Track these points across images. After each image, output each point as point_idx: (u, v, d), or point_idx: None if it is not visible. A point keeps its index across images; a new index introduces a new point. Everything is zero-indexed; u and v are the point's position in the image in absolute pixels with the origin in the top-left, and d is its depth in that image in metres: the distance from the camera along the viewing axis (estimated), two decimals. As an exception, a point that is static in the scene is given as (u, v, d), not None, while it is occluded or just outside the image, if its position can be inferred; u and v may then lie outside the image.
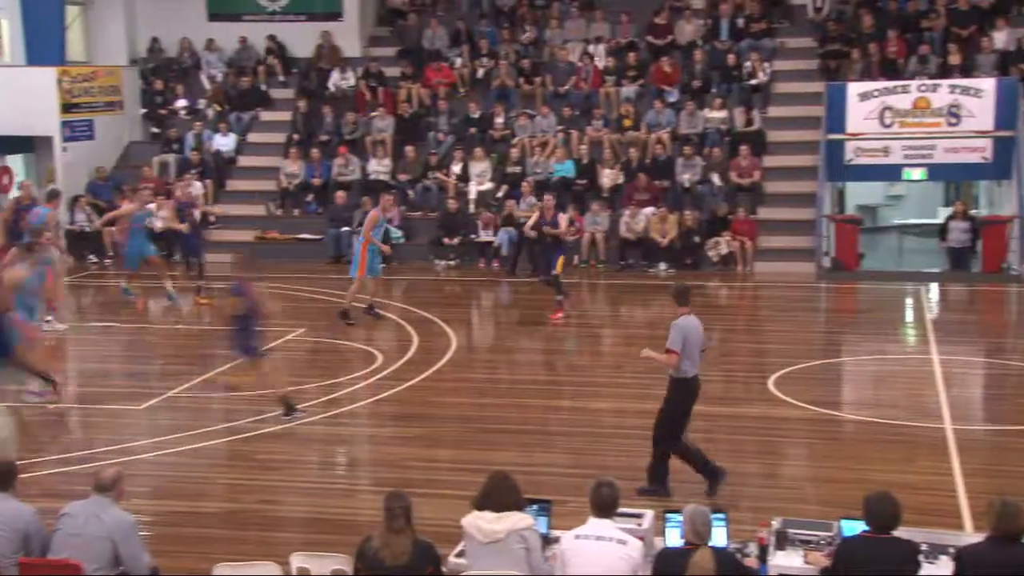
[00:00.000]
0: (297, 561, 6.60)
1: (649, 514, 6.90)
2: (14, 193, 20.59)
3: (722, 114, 21.37)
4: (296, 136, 22.32)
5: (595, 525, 6.12)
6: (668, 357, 9.01)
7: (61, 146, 21.50)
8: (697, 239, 19.64)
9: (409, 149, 21.50)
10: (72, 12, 23.31)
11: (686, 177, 20.50)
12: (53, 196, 17.51)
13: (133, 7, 24.29)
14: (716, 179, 20.39)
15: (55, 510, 6.69)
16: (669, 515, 6.65)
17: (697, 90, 21.89)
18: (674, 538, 6.51)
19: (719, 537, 6.38)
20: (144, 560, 6.57)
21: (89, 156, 22.03)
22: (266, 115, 23.35)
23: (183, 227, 18.01)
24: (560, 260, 15.95)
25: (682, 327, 9.05)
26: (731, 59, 22.08)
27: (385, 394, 12.36)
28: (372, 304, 15.88)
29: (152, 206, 17.87)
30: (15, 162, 21.79)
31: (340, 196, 20.76)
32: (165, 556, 7.84)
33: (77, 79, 21.94)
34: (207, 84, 23.78)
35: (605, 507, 6.16)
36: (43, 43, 21.80)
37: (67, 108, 21.58)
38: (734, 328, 16.29)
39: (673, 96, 21.86)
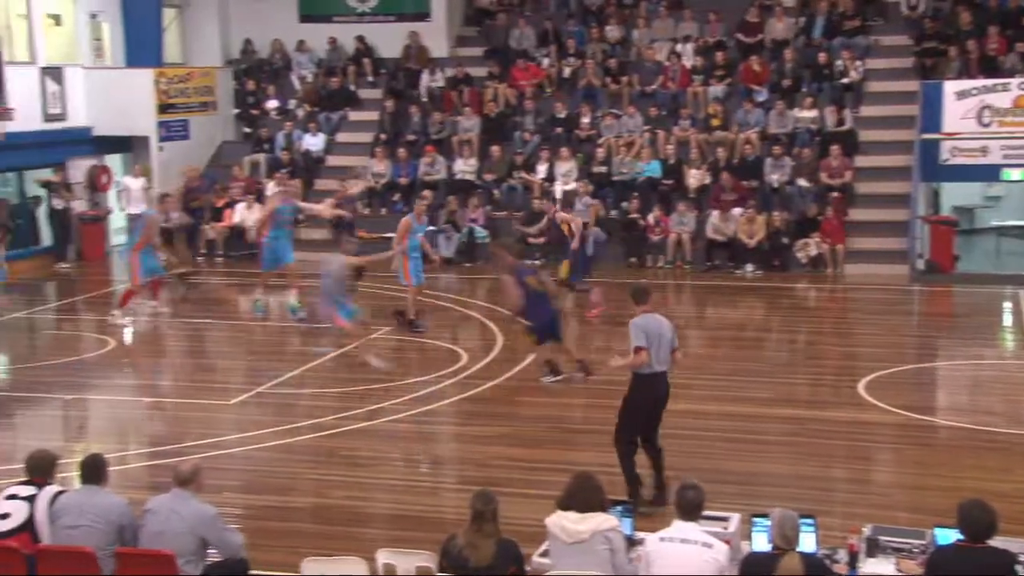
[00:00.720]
0: (383, 557, 6.66)
1: (735, 517, 6.82)
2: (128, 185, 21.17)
3: (813, 113, 21.02)
4: (383, 136, 22.54)
5: (680, 528, 6.06)
6: (636, 357, 8.79)
7: (157, 146, 22.00)
8: (785, 240, 19.35)
9: (495, 149, 21.57)
10: (169, 15, 23.86)
11: (775, 177, 20.22)
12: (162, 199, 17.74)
13: (227, 9, 24.78)
14: (805, 180, 20.06)
15: (145, 501, 6.85)
16: (756, 519, 6.56)
17: (787, 89, 21.57)
18: (761, 542, 6.41)
19: (807, 543, 6.27)
20: (235, 541, 6.71)
21: (183, 155, 22.52)
22: (354, 115, 23.62)
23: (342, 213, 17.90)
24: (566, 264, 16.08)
25: (640, 325, 8.87)
26: (823, 57, 21.71)
27: (470, 392, 12.41)
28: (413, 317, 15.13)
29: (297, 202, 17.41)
30: (114, 162, 22.38)
31: (425, 195, 20.88)
32: (254, 549, 7.97)
33: (173, 80, 22.44)
34: (297, 84, 24.14)
35: (690, 510, 6.10)
36: (142, 45, 22.35)
37: (163, 108, 22.09)
38: (822, 331, 16.00)
39: (762, 95, 21.57)
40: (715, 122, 21.30)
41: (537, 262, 16.32)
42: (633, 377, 8.92)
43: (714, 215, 19.54)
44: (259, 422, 11.44)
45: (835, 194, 19.59)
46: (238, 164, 22.34)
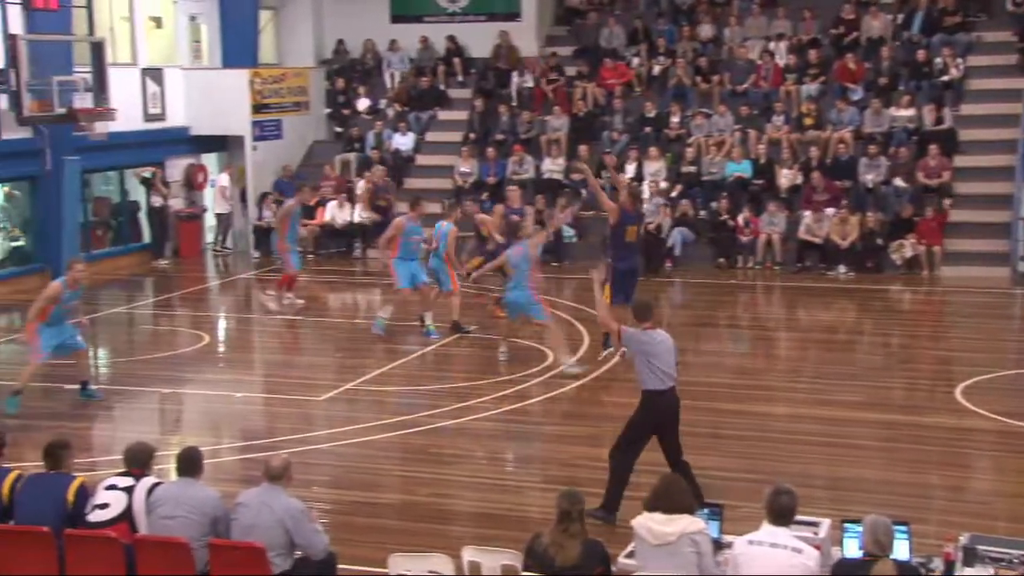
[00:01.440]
0: (469, 555, 6.68)
1: (826, 523, 6.69)
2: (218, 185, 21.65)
3: (910, 112, 20.54)
4: (472, 135, 22.63)
5: (770, 532, 5.96)
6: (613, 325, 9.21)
7: (251, 145, 22.41)
8: (880, 241, 18.95)
9: (583, 148, 21.51)
10: (265, 16, 24.29)
11: (869, 177, 19.81)
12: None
13: (321, 10, 25.14)
14: (899, 180, 19.62)
15: (236, 495, 6.97)
16: (847, 525, 6.43)
17: (883, 87, 21.12)
18: (852, 549, 6.28)
19: (901, 550, 6.12)
20: (319, 543, 6.76)
21: (276, 155, 22.92)
22: (444, 114, 23.77)
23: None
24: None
25: (634, 338, 8.76)
26: (921, 55, 21.21)
27: (555, 392, 12.38)
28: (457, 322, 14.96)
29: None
30: (209, 161, 22.87)
31: (513, 193, 20.91)
32: (341, 544, 8.07)
33: (267, 80, 22.84)
34: (389, 84, 24.38)
35: (782, 515, 5.98)
36: (238, 46, 22.79)
37: (258, 108, 22.48)
38: (917, 334, 15.63)
39: (857, 94, 21.15)
40: (808, 121, 20.95)
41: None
42: (642, 394, 8.79)
43: (806, 216, 19.22)
44: (348, 418, 11.57)
45: (945, 198, 19.08)
46: (329, 163, 22.64)
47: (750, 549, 5.93)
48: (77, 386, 12.35)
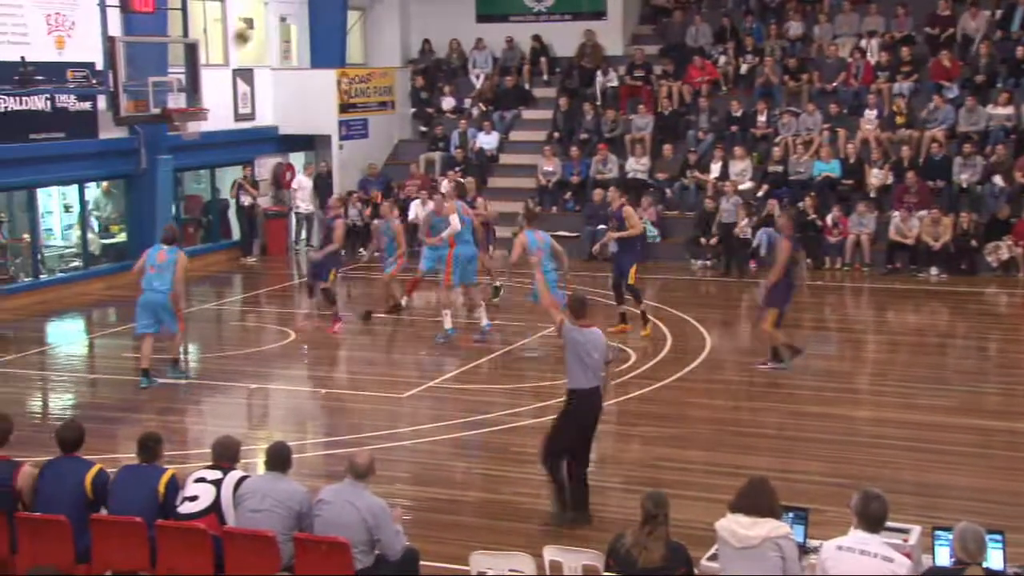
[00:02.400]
0: (550, 554, 6.67)
1: (916, 529, 6.53)
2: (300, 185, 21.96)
3: (1008, 110, 19.98)
4: (556, 134, 22.61)
5: (860, 538, 5.82)
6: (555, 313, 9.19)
7: (338, 144, 22.70)
8: (974, 243, 18.46)
9: (667, 148, 21.35)
10: (352, 17, 24.58)
11: (964, 177, 19.31)
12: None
13: (407, 10, 25.35)
14: (999, 179, 19.09)
15: (319, 490, 7.04)
16: (938, 532, 6.27)
17: (980, 85, 20.57)
18: (943, 557, 6.12)
19: (995, 559, 5.94)
20: (397, 543, 6.80)
21: (362, 153, 23.17)
22: (528, 113, 23.79)
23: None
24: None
25: (570, 334, 8.66)
26: (1021, 52, 20.61)
27: (637, 393, 12.31)
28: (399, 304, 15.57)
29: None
30: (296, 159, 23.22)
31: (597, 194, 20.84)
32: (423, 540, 8.12)
33: (354, 80, 23.10)
34: (474, 83, 24.48)
35: (873, 521, 5.84)
36: (326, 47, 23.11)
37: (344, 108, 22.76)
38: (1013, 338, 15.17)
39: (952, 92, 20.64)
40: (900, 120, 20.51)
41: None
42: (568, 393, 8.72)
43: (897, 216, 18.82)
44: (431, 416, 11.64)
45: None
46: (414, 162, 22.81)
47: (839, 555, 5.81)
48: (166, 380, 12.68)
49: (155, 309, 12.57)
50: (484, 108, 23.80)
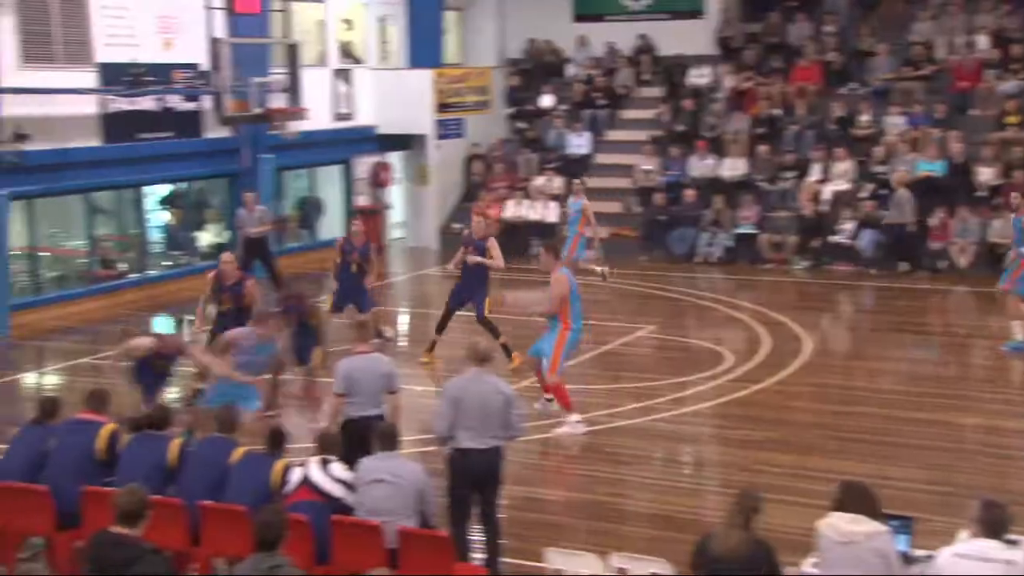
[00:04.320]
0: (616, 561, 6.60)
1: (1025, 542, 6.31)
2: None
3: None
4: (656, 134, 22.44)
5: (980, 545, 5.66)
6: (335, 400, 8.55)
7: (434, 143, 22.87)
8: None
9: (763, 148, 21.03)
10: (450, 17, 24.75)
11: (1077, 178, 18.64)
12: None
13: (504, 10, 25.44)
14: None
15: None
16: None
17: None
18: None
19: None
20: (522, 424, 7.84)
21: (458, 153, 23.30)
22: (627, 113, 23.69)
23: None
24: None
25: (343, 369, 8.44)
26: None
27: (734, 395, 12.16)
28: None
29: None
30: (394, 159, 23.46)
31: (690, 194, 20.71)
32: (513, 538, 8.16)
33: (451, 80, 23.25)
34: (571, 83, 24.44)
35: (994, 528, 5.68)
36: (423, 47, 23.30)
37: (441, 108, 22.93)
38: None
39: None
40: (1010, 120, 19.89)
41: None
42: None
43: (1001, 219, 18.23)
44: (526, 415, 11.62)
45: None
46: (501, 163, 22.84)
47: (957, 561, 5.66)
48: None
49: None
50: (581, 107, 23.70)
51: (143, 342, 10.35)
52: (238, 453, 7.48)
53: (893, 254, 18.88)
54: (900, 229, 18.72)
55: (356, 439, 7.95)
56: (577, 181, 19.21)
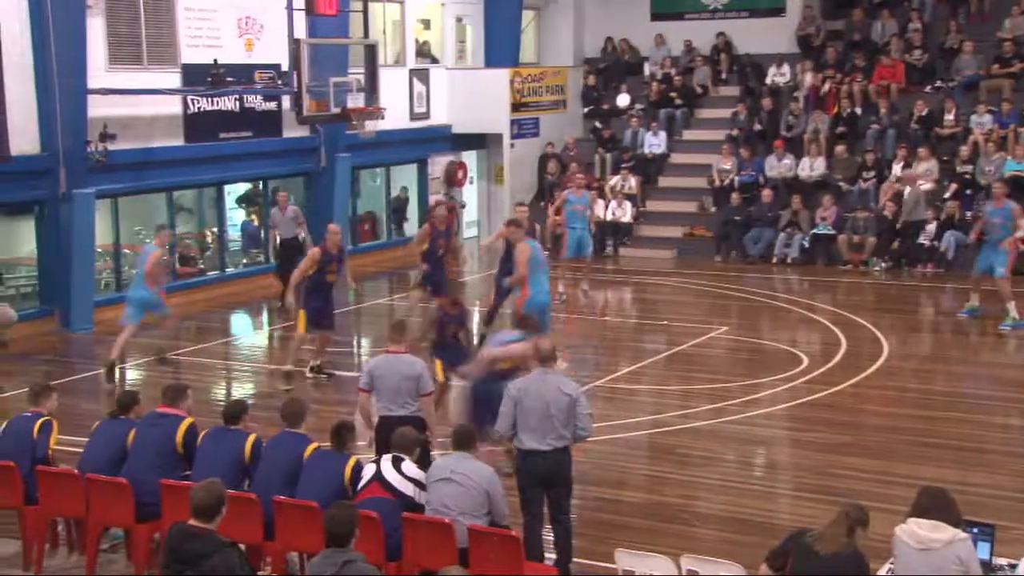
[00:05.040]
0: (687, 564, 6.54)
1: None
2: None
3: None
4: (734, 132, 22.21)
5: None
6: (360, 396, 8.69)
7: (509, 143, 22.91)
8: None
9: (839, 148, 20.66)
10: (527, 16, 24.78)
11: None
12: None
13: (582, 9, 25.39)
14: None
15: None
16: None
17: None
18: None
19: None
20: (590, 424, 7.71)
21: (534, 152, 23.33)
22: (705, 112, 23.48)
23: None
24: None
25: (368, 366, 8.63)
26: None
27: (809, 398, 11.98)
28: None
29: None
30: (470, 158, 23.56)
31: (767, 194, 20.45)
32: (583, 539, 8.14)
33: (527, 79, 23.28)
34: (647, 82, 24.29)
35: None
36: (500, 46, 23.37)
37: (517, 107, 22.97)
38: None
39: None
40: (1101, 117, 19.32)
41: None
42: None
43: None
44: (598, 415, 11.58)
45: None
46: (577, 161, 22.77)
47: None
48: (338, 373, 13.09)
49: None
50: (658, 106, 23.52)
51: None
52: (310, 448, 7.58)
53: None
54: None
55: (381, 438, 8.12)
56: (580, 175, 19.01)
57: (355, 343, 15.76)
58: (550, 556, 7.66)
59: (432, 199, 22.44)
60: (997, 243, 14.94)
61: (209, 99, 17.70)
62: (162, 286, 13.78)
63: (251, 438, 7.74)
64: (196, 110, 17.70)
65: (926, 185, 19.42)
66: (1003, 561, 6.24)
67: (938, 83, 21.44)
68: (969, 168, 19.56)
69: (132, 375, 14.03)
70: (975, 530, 6.21)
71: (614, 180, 21.96)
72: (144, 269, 13.41)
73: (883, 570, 6.13)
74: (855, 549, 5.75)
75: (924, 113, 20.71)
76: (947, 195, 19.36)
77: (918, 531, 5.75)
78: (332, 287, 12.91)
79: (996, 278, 14.95)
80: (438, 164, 22.85)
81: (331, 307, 13.05)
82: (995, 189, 15.79)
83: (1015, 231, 14.89)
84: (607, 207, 21.35)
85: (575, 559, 7.77)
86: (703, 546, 7.87)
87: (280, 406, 8.12)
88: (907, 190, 19.09)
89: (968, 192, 19.31)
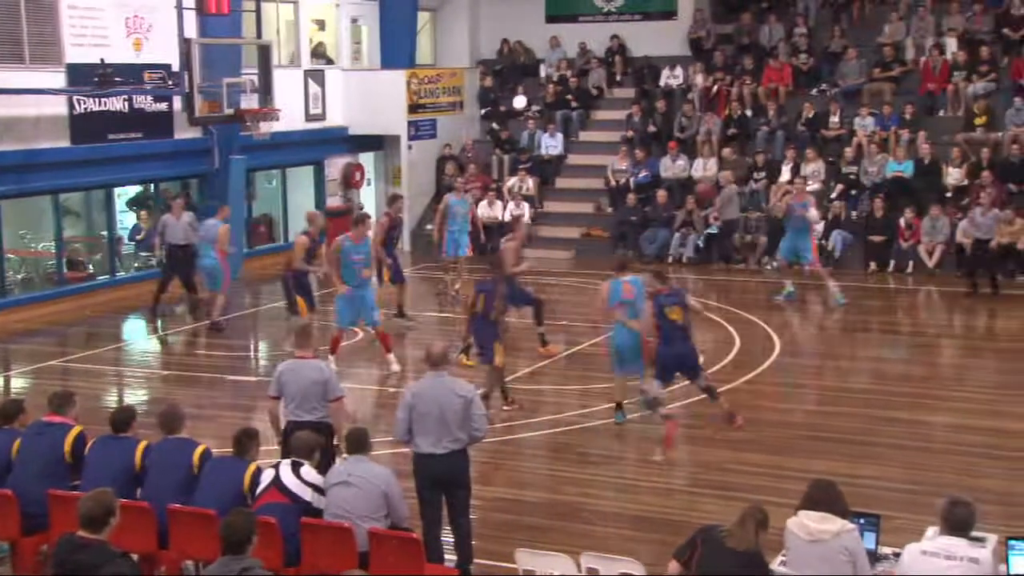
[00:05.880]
0: (587, 561, 6.61)
1: (992, 538, 6.38)
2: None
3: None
4: (629, 133, 22.49)
5: (945, 543, 5.71)
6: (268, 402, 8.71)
7: (406, 144, 22.83)
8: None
9: (727, 150, 21.09)
10: (423, 18, 24.72)
11: (1043, 179, 18.82)
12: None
13: (477, 11, 25.43)
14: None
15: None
16: (1013, 542, 6.12)
17: (1060, 84, 20.05)
18: (1019, 566, 5.98)
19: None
20: (485, 424, 7.72)
21: (430, 154, 23.28)
22: (600, 114, 23.72)
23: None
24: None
25: (276, 372, 8.59)
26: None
27: (704, 395, 12.16)
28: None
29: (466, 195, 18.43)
30: (367, 160, 23.40)
31: (661, 195, 20.77)
32: (484, 540, 8.15)
33: (424, 81, 23.22)
34: (544, 84, 24.44)
35: (959, 526, 5.73)
36: (396, 48, 23.24)
37: (413, 108, 22.89)
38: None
39: (1032, 92, 20.13)
40: (979, 121, 20.06)
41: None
42: None
43: (968, 219, 18.34)
44: (498, 415, 11.62)
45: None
46: (475, 163, 22.85)
47: (923, 559, 5.71)
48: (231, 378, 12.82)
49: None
50: (553, 108, 23.70)
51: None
52: (199, 451, 7.43)
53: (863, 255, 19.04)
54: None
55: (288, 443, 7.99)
56: (460, 180, 19.58)
57: (252, 347, 15.53)
58: (451, 558, 7.66)
59: (330, 201, 22.34)
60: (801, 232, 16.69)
61: (96, 99, 17.24)
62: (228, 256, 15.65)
63: (141, 445, 7.56)
64: (83, 111, 17.22)
65: (813, 186, 19.93)
66: (888, 550, 6.43)
67: (823, 86, 22.05)
68: (854, 169, 20.16)
69: (18, 383, 13.58)
70: (861, 521, 6.40)
71: (512, 181, 22.04)
72: (214, 240, 15.37)
73: (775, 562, 6.26)
74: (759, 549, 5.89)
75: (811, 115, 21.27)
76: (833, 195, 19.91)
77: (808, 523, 5.90)
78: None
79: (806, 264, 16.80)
80: (335, 166, 22.65)
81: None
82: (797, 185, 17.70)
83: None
84: (505, 208, 21.41)
85: (476, 560, 7.78)
86: (603, 544, 7.94)
87: (157, 414, 7.87)
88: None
89: (853, 192, 19.89)
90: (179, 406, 8.05)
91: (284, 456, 7.57)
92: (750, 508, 6.01)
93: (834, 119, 21.09)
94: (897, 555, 6.13)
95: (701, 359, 11.46)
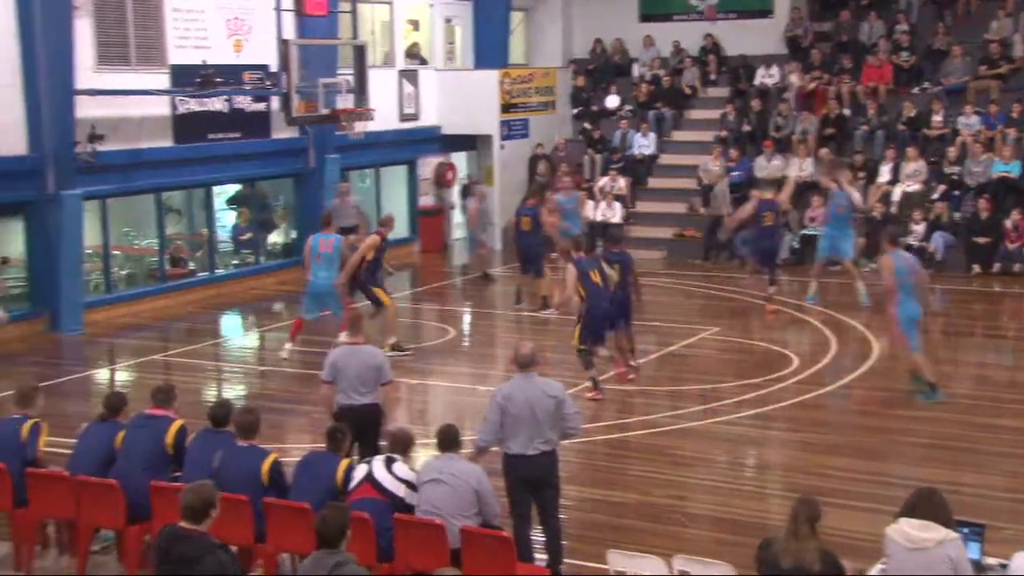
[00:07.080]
0: (679, 564, 6.54)
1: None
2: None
3: None
4: (724, 133, 22.23)
5: None
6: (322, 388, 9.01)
7: (499, 144, 22.89)
8: None
9: (823, 150, 20.67)
10: (516, 18, 24.77)
11: None
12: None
13: (570, 11, 25.40)
14: None
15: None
16: None
17: None
18: None
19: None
20: (579, 422, 7.75)
21: (523, 153, 23.32)
22: (693, 113, 23.50)
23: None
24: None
25: (330, 358, 8.93)
26: None
27: (801, 398, 11.99)
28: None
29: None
30: (459, 159, 23.53)
31: (755, 195, 20.42)
32: (576, 540, 8.13)
33: (516, 80, 23.27)
34: (636, 83, 24.30)
35: None
36: (489, 48, 23.35)
37: (506, 108, 22.95)
38: None
39: None
40: (1088, 119, 19.40)
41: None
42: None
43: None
44: (590, 416, 11.59)
45: None
46: (567, 162, 22.79)
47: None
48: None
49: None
50: (646, 108, 23.53)
51: None
52: (269, 461, 7.49)
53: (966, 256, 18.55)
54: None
55: (351, 426, 8.10)
56: (567, 177, 19.47)
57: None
58: (541, 558, 7.66)
59: (422, 200, 22.53)
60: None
61: (198, 100, 17.65)
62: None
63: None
64: (185, 111, 17.64)
65: (913, 186, 19.45)
66: (993, 561, 6.25)
67: (925, 85, 21.52)
68: (957, 169, 19.63)
69: (121, 376, 13.98)
70: (966, 530, 6.22)
71: (603, 181, 21.96)
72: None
73: (874, 570, 6.12)
74: (827, 552, 5.73)
75: (912, 114, 20.77)
76: (935, 196, 19.42)
77: (909, 531, 5.75)
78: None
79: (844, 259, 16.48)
80: (427, 165, 22.82)
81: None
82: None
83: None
84: (596, 208, 21.32)
85: (566, 560, 7.76)
86: (694, 546, 7.87)
87: (233, 417, 7.85)
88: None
89: (956, 193, 19.38)
90: (256, 410, 8.03)
91: (329, 439, 7.60)
92: (797, 505, 5.84)
93: (937, 118, 20.58)
94: (1004, 566, 5.95)
95: None
